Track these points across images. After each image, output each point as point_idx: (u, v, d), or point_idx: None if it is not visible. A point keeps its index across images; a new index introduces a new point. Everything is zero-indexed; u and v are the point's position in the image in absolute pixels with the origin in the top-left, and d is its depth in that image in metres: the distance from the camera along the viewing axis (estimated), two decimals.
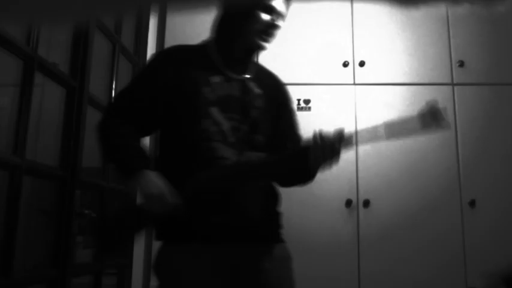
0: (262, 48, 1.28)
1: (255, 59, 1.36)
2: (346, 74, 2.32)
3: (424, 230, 2.14)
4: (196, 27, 2.44)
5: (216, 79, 1.24)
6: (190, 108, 1.21)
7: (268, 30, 1.26)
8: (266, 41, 1.27)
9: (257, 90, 1.29)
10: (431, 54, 2.34)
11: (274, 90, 1.35)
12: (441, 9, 2.38)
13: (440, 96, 2.29)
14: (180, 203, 1.11)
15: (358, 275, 2.11)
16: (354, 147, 1.16)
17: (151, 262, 2.21)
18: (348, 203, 2.16)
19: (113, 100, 1.34)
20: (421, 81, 2.32)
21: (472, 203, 2.15)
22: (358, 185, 2.18)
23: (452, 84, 2.31)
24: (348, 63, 2.32)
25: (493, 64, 2.31)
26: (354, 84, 2.30)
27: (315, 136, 1.13)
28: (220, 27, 1.31)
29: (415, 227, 2.14)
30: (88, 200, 1.69)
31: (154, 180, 1.12)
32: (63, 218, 1.56)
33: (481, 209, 2.14)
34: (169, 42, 2.40)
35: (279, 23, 1.27)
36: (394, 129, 1.13)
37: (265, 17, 1.24)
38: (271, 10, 1.25)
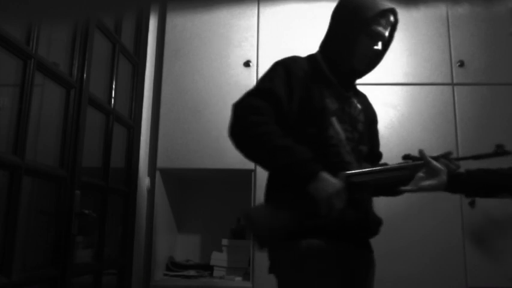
0: (365, 72, 1.38)
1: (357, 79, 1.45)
2: None
3: (424, 229, 2.14)
4: (196, 27, 2.45)
5: (331, 93, 1.32)
6: (316, 116, 1.27)
7: (372, 56, 1.34)
8: (369, 66, 1.37)
9: (359, 106, 1.40)
10: (431, 54, 2.34)
11: (368, 108, 1.47)
12: (441, 9, 2.38)
13: (441, 96, 2.29)
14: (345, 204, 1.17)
15: None
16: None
17: (151, 262, 2.21)
18: None
19: (246, 100, 1.25)
20: (421, 81, 2.32)
21: (472, 203, 2.14)
22: None
23: (452, 84, 2.31)
24: None
25: (493, 64, 2.31)
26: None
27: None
28: (329, 47, 1.38)
29: (415, 226, 2.14)
30: (88, 200, 1.69)
31: (332, 181, 1.15)
32: (63, 218, 1.56)
33: (481, 209, 2.14)
34: (169, 42, 2.41)
35: (384, 48, 1.35)
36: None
37: (371, 43, 1.31)
38: (377, 36, 1.31)
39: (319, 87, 1.30)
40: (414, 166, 1.27)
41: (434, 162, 1.26)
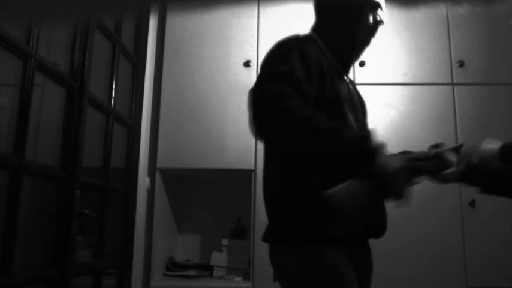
0: (366, 46, 1.30)
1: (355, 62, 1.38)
2: None
3: (424, 230, 2.14)
4: (196, 27, 2.45)
5: (337, 78, 1.24)
6: (329, 104, 1.18)
7: (374, 29, 1.28)
8: (369, 40, 1.30)
9: (355, 93, 1.34)
10: (431, 54, 2.34)
11: (359, 94, 1.39)
12: (441, 9, 2.38)
13: (440, 96, 2.29)
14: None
15: None
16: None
17: (151, 262, 2.21)
18: None
19: (268, 88, 1.08)
20: (421, 81, 2.32)
21: (472, 203, 2.15)
22: None
23: (452, 84, 2.31)
24: None
25: (493, 64, 2.31)
26: None
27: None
28: (331, 27, 1.29)
29: (416, 226, 2.15)
30: (88, 200, 1.69)
31: (395, 158, 1.06)
32: (63, 218, 1.56)
33: (481, 209, 2.15)
34: (169, 42, 2.41)
35: (383, 20, 1.29)
36: None
37: (372, 14, 1.26)
38: (377, 6, 1.27)
39: (330, 71, 1.21)
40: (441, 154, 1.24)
41: (448, 156, 1.23)
